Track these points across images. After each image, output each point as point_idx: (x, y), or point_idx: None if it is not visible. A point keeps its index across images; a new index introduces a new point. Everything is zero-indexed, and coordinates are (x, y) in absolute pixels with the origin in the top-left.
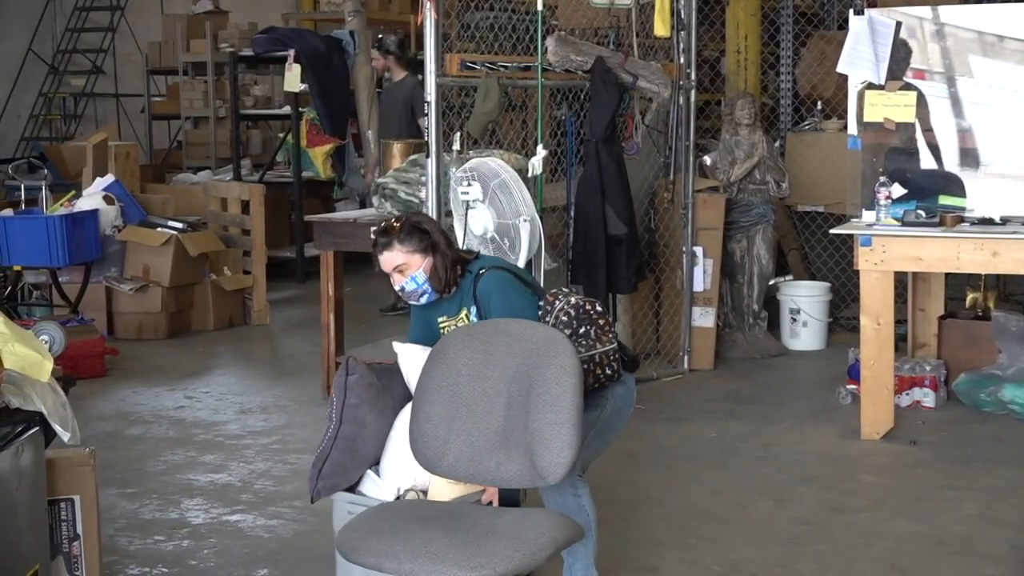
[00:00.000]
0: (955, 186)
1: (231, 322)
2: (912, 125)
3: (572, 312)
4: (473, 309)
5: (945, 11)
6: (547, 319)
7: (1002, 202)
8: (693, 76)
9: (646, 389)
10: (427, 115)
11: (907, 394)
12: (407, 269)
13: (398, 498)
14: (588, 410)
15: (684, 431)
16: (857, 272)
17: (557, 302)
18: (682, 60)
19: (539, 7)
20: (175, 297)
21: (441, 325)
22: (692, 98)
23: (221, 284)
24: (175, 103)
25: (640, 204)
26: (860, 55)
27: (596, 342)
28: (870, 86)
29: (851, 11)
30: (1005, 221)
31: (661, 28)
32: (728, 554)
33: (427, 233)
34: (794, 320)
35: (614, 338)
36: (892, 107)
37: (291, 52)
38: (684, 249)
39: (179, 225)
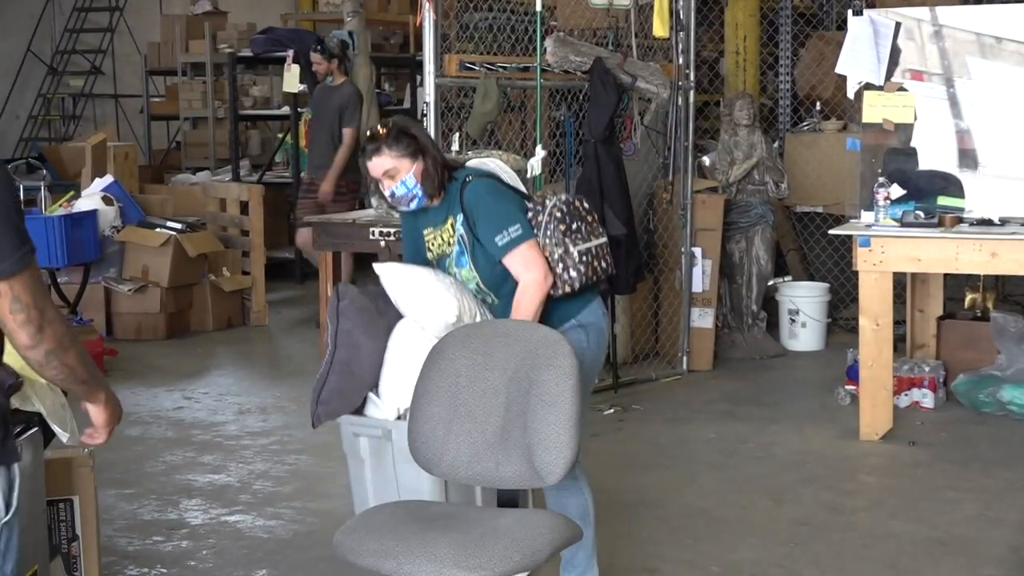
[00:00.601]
0: (954, 187)
1: (230, 323)
2: (911, 126)
3: (564, 208)
4: (460, 217)
5: (943, 12)
6: (539, 218)
7: (1001, 203)
8: (692, 77)
9: (645, 390)
10: (359, 121)
11: (906, 395)
12: (397, 174)
13: (399, 418)
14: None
15: (683, 432)
16: (856, 273)
17: (548, 201)
18: (681, 61)
19: (538, 8)
20: (174, 298)
21: (427, 237)
22: (691, 99)
23: (220, 285)
24: (174, 104)
25: (639, 205)
26: (859, 56)
27: (590, 235)
28: (868, 86)
29: (850, 12)
30: (1004, 222)
31: (660, 29)
32: (727, 555)
33: (414, 137)
34: (793, 321)
35: (603, 232)
36: (891, 108)
37: (290, 53)
38: (683, 250)
39: (178, 226)
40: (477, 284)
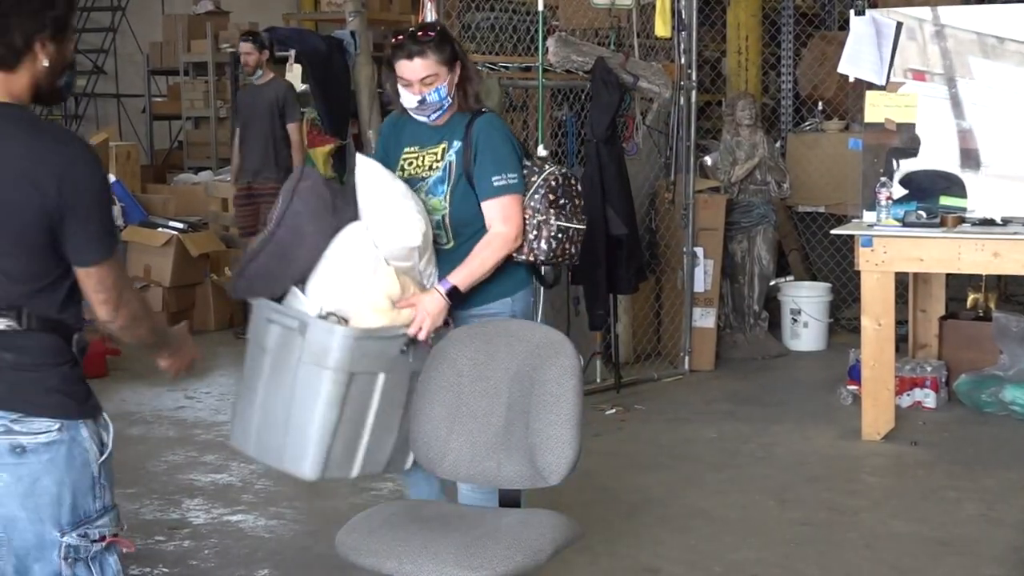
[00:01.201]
0: (956, 187)
1: (232, 322)
2: (913, 125)
3: (560, 180)
4: (457, 144)
5: (945, 12)
6: (533, 179)
7: (1003, 203)
8: (694, 77)
9: (647, 390)
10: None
11: (908, 395)
12: (435, 80)
13: (321, 318)
14: None
15: (685, 432)
16: (858, 273)
17: (547, 167)
18: (683, 61)
19: (540, 7)
20: (176, 297)
21: (406, 155)
22: (693, 99)
23: (222, 284)
24: (176, 103)
25: (641, 205)
26: (861, 55)
27: (573, 217)
28: (869, 86)
29: (852, 12)
30: (1006, 222)
31: (662, 29)
32: (729, 554)
33: (455, 45)
34: (795, 321)
35: (584, 220)
36: (893, 108)
37: (292, 52)
38: (685, 250)
39: (180, 225)
40: (442, 219)
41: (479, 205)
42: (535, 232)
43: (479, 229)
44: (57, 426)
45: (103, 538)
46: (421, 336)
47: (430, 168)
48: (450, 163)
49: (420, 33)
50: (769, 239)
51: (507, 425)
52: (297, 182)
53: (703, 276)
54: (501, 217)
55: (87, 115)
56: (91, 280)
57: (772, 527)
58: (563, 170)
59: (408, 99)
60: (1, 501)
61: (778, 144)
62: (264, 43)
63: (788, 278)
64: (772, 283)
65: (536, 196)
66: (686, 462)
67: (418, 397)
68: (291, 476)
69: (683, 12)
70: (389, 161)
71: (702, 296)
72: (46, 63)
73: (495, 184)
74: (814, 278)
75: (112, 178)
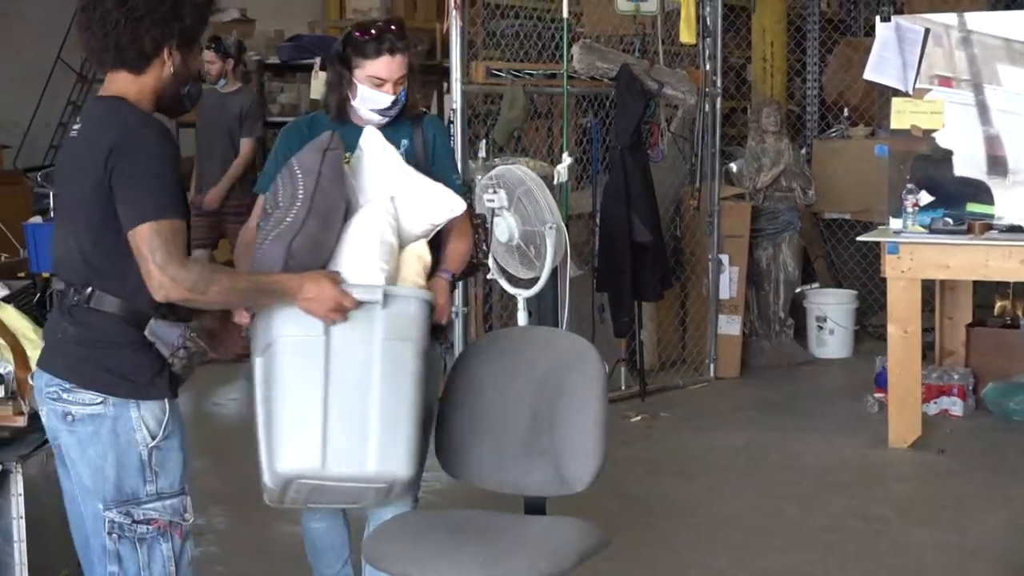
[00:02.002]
0: (983, 193)
1: None
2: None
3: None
4: (404, 144)
5: (972, 18)
6: (470, 196)
7: None
8: (719, 83)
9: (672, 397)
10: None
11: (935, 403)
12: (404, 81)
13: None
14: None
15: (710, 439)
16: (884, 280)
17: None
18: (708, 67)
19: (565, 14)
20: None
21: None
22: (718, 105)
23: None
24: None
25: (666, 211)
26: (887, 62)
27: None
28: (895, 92)
29: (878, 18)
30: None
31: (687, 35)
32: (755, 562)
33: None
34: (821, 328)
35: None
36: (920, 114)
37: (317, 60)
38: (710, 257)
39: None
40: None
41: None
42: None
43: None
44: (100, 400)
45: (150, 522)
46: (444, 321)
47: None
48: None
49: (395, 28)
50: (795, 246)
51: (531, 432)
52: (326, 151)
53: (728, 283)
54: (464, 213)
55: None
56: (132, 247)
57: (798, 535)
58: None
59: (378, 100)
60: (72, 461)
61: (803, 151)
62: (229, 51)
63: (814, 285)
64: (798, 290)
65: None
66: (712, 470)
67: (442, 403)
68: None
69: (708, 18)
70: None
71: (727, 303)
72: (171, 71)
73: (456, 182)
74: (840, 285)
75: None
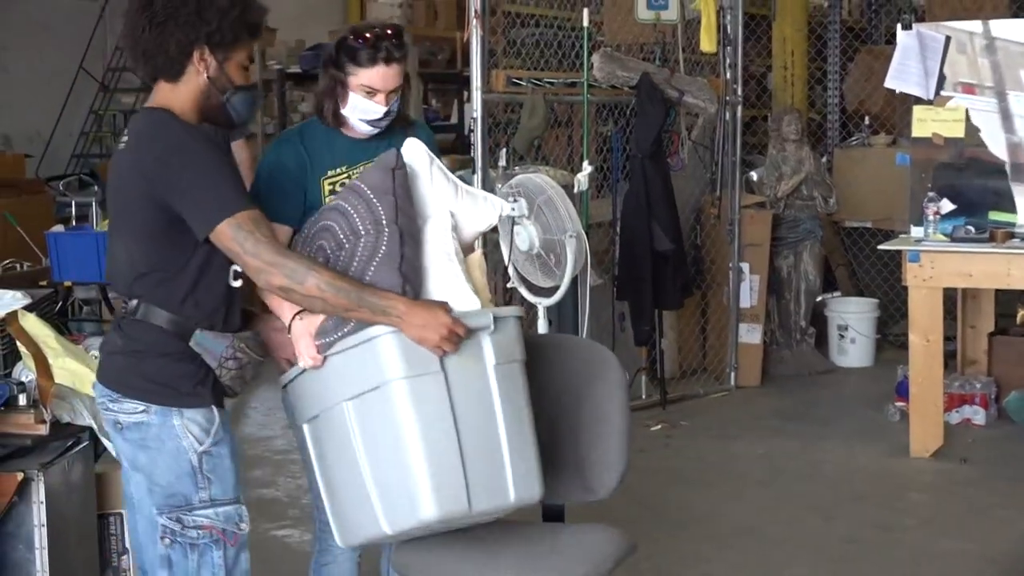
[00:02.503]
0: (1006, 201)
1: None
2: (961, 140)
3: None
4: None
5: (996, 25)
6: None
7: None
8: (739, 91)
9: (693, 406)
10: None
11: (957, 411)
12: (399, 90)
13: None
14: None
15: (731, 448)
16: (905, 288)
17: None
18: (728, 76)
19: (585, 23)
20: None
21: (331, 179)
22: (738, 114)
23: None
24: None
25: (686, 220)
26: (908, 70)
27: None
28: (917, 100)
29: (899, 26)
30: None
31: (707, 44)
32: (776, 572)
33: None
34: (842, 337)
35: None
36: (941, 122)
37: None
38: (731, 265)
39: None
40: None
41: None
42: None
43: None
44: (142, 408)
45: (202, 528)
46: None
47: None
48: None
49: (392, 34)
50: (815, 254)
51: (554, 440)
52: (394, 168)
53: (749, 292)
54: None
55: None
56: (221, 249)
57: (819, 544)
58: None
59: (369, 110)
60: (125, 467)
61: (824, 159)
62: None
63: (835, 294)
64: (819, 299)
65: None
66: (732, 478)
67: None
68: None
69: (729, 27)
70: (290, 189)
71: (748, 312)
72: (206, 76)
73: None
74: (861, 294)
75: None
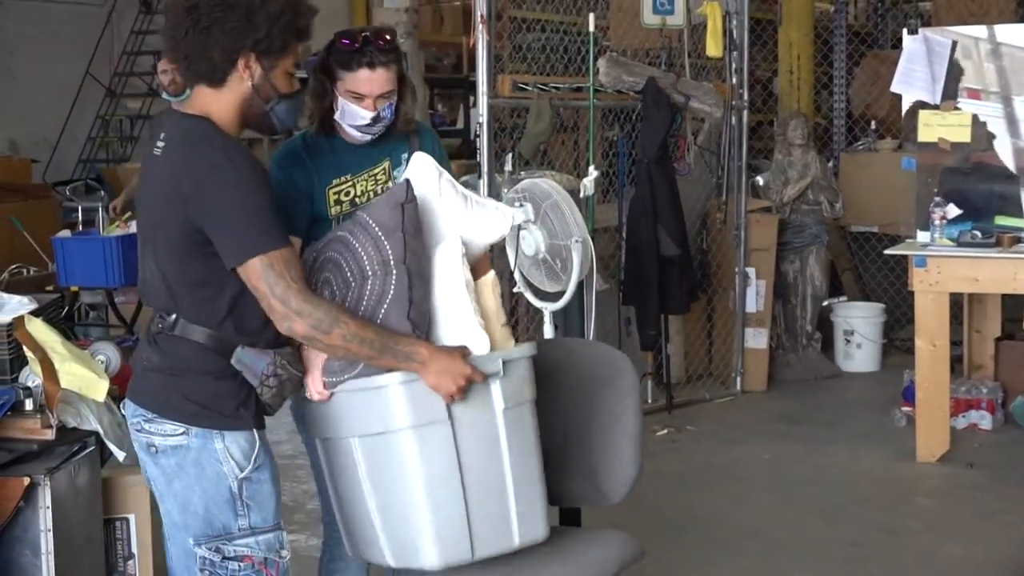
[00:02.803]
0: (1012, 206)
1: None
2: (967, 145)
3: None
4: (403, 156)
5: (1001, 30)
6: None
7: None
8: (745, 96)
9: (698, 410)
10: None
11: (963, 416)
12: (391, 96)
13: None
14: None
15: (737, 452)
16: (912, 293)
17: None
18: (734, 80)
19: (591, 28)
20: None
21: (337, 187)
22: (744, 118)
23: None
24: None
25: (692, 225)
26: (914, 74)
27: None
28: (923, 105)
29: (905, 30)
30: None
31: (713, 48)
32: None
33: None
34: (848, 341)
35: None
36: (947, 127)
37: None
38: (736, 270)
39: None
40: None
41: None
42: None
43: None
44: (181, 431)
45: (243, 558)
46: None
47: (379, 192)
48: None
49: (380, 39)
50: (822, 259)
51: (566, 444)
52: (403, 203)
53: (755, 296)
54: None
55: (142, 137)
56: (246, 282)
57: (824, 549)
58: None
59: (358, 115)
60: (159, 495)
61: (830, 164)
62: None
63: (841, 298)
64: (825, 303)
65: None
66: (738, 483)
67: None
68: None
69: (735, 32)
70: (297, 200)
71: (754, 316)
72: (250, 84)
73: None
74: (867, 298)
75: None
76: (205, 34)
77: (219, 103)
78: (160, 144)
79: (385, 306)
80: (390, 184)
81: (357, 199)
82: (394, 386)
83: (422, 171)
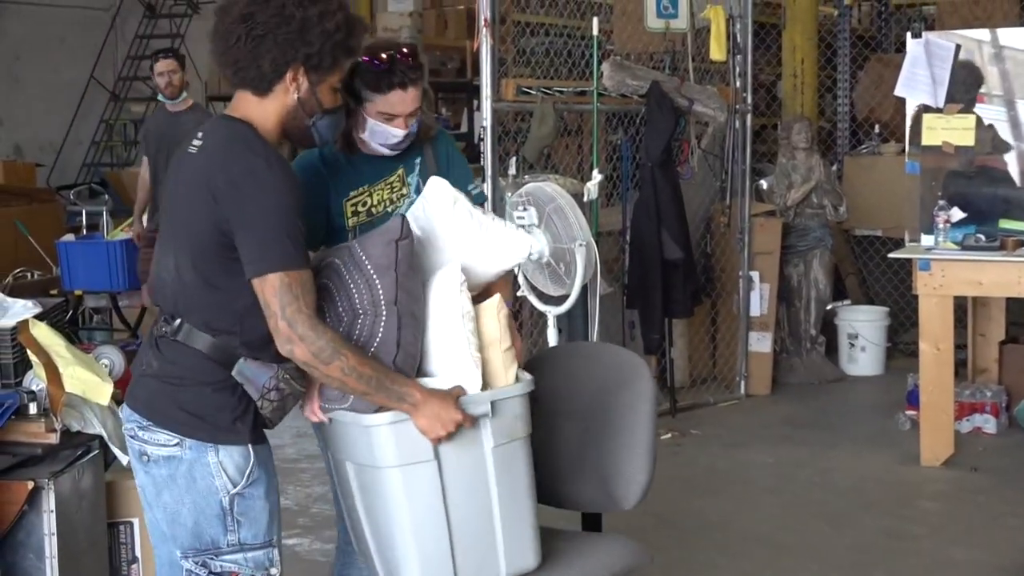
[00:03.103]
0: (1016, 209)
1: None
2: (971, 148)
3: None
4: (416, 163)
5: (1004, 34)
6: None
7: None
8: (749, 100)
9: (703, 414)
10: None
11: (967, 420)
12: (417, 112)
13: None
14: None
15: (741, 456)
16: (916, 297)
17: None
18: (738, 84)
19: (595, 32)
20: None
21: (353, 200)
22: (748, 122)
23: None
24: None
25: (696, 228)
26: (918, 78)
27: None
28: (926, 109)
29: (909, 34)
30: None
31: (717, 52)
32: None
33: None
34: (852, 345)
35: None
36: (951, 130)
37: None
38: (740, 274)
39: None
40: None
41: None
42: None
43: None
44: (176, 442)
45: (229, 575)
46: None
47: (395, 200)
48: (417, 183)
49: (406, 57)
50: (826, 263)
51: (581, 448)
52: (398, 240)
53: (759, 300)
54: None
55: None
56: (258, 295)
57: (829, 553)
58: None
59: (390, 135)
60: (147, 504)
61: (834, 167)
62: (184, 62)
63: (845, 302)
64: (829, 307)
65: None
66: (742, 487)
67: None
68: None
69: (738, 36)
70: (313, 212)
71: (758, 320)
72: (296, 97)
73: (473, 192)
74: (871, 302)
75: None
76: (257, 42)
77: (261, 111)
78: (197, 143)
79: (373, 349)
80: (404, 191)
81: (374, 208)
82: (383, 427)
83: (437, 197)
